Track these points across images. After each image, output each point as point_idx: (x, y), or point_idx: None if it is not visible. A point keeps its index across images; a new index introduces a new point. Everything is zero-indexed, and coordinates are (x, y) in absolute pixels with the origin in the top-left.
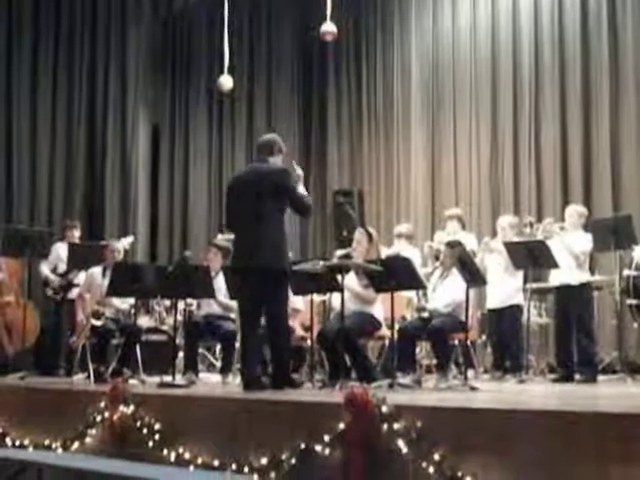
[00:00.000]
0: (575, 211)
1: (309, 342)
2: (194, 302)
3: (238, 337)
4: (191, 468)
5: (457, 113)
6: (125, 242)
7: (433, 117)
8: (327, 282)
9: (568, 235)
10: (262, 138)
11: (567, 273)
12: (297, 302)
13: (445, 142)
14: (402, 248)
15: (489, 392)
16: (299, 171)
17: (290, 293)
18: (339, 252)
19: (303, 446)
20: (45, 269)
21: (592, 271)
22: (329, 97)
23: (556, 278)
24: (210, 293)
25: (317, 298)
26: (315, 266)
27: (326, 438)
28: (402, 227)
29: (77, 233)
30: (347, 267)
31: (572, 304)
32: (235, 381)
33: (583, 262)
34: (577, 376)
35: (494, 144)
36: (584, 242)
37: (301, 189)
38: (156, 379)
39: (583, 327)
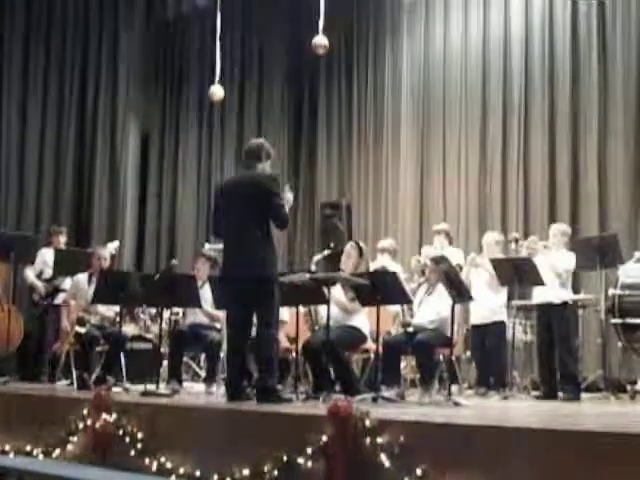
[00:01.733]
0: (558, 230)
1: (294, 354)
2: (180, 311)
3: (223, 347)
4: (173, 478)
5: (447, 129)
6: (111, 247)
7: (423, 132)
8: (313, 294)
9: (551, 254)
10: (249, 143)
11: (550, 291)
12: (282, 313)
13: (434, 157)
14: (385, 263)
15: (473, 408)
16: (289, 195)
17: None
18: (316, 257)
19: (285, 458)
20: (30, 274)
21: (577, 289)
22: (319, 110)
23: (539, 296)
24: (196, 302)
25: (303, 309)
26: (301, 278)
27: (309, 450)
28: (385, 242)
29: (63, 239)
30: (334, 280)
31: (555, 322)
32: (219, 391)
33: (566, 280)
34: (561, 394)
35: (483, 160)
36: (567, 261)
37: (285, 208)
38: (140, 387)
39: (566, 345)
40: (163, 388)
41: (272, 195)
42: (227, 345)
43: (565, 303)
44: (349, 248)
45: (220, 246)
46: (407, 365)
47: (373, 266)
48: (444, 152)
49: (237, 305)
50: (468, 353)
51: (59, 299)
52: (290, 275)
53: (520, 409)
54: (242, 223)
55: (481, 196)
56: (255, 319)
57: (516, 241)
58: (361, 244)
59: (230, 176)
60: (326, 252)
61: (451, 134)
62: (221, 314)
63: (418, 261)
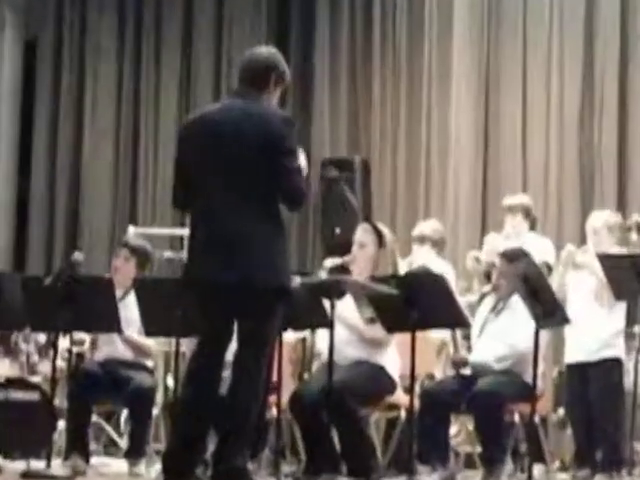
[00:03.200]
0: None
1: (274, 410)
2: (86, 338)
3: (157, 399)
4: None
5: (529, 48)
6: None
7: (489, 53)
8: (308, 312)
9: None
10: (252, 55)
11: None
12: None
13: (507, 92)
14: (426, 260)
15: None
16: (303, 161)
17: None
18: (329, 262)
19: None
20: None
21: None
22: (318, 10)
23: None
24: (113, 324)
25: (291, 336)
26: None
27: None
28: (427, 226)
29: None
30: (339, 288)
31: None
32: (151, 473)
33: None
34: None
35: (586, 97)
36: None
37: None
38: (20, 465)
39: None
40: (58, 467)
41: (285, 152)
42: (183, 394)
43: None
44: (361, 233)
45: (155, 230)
46: (461, 431)
47: (406, 265)
48: (524, 83)
49: (212, 327)
50: (561, 411)
51: None
52: None
53: None
54: (230, 194)
55: (583, 154)
56: (239, 350)
57: (639, 228)
58: (380, 227)
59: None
60: (349, 257)
61: (535, 57)
62: (154, 344)
63: (477, 259)
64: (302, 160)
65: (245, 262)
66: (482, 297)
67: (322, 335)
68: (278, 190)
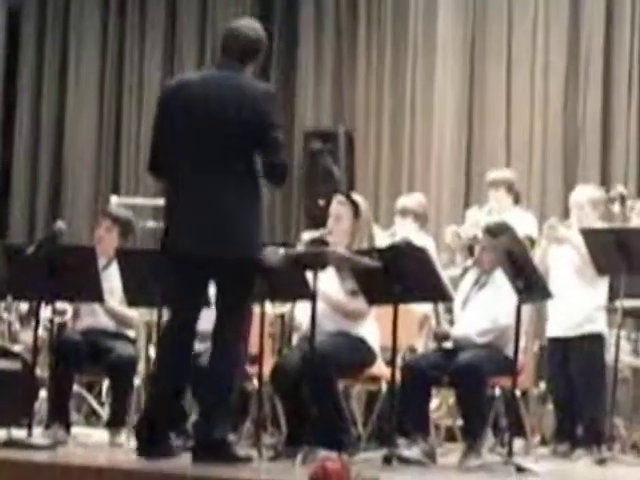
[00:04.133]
0: None
1: (256, 383)
2: (68, 308)
3: (139, 368)
4: None
5: (514, 17)
6: None
7: (474, 25)
8: (290, 284)
9: None
10: (241, 29)
11: None
12: None
13: (492, 64)
14: (407, 232)
15: (548, 477)
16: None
17: None
18: (308, 234)
19: None
20: None
21: None
22: None
23: None
24: (95, 293)
25: (271, 310)
26: (270, 257)
27: None
28: (410, 199)
29: None
30: (323, 260)
31: None
32: (131, 443)
33: None
34: None
35: (571, 69)
36: None
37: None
38: (1, 434)
39: None
40: (39, 436)
41: (270, 126)
42: (156, 362)
43: None
44: (336, 206)
45: (138, 200)
46: (442, 404)
47: (388, 237)
48: (509, 57)
49: (184, 298)
50: (542, 386)
51: None
52: None
53: None
54: (209, 166)
55: (567, 129)
56: (216, 326)
57: (622, 200)
58: (355, 197)
59: (191, 75)
60: (325, 229)
61: (520, 32)
62: (136, 314)
63: (457, 234)
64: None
65: (220, 234)
66: (465, 271)
67: (301, 307)
68: (263, 164)
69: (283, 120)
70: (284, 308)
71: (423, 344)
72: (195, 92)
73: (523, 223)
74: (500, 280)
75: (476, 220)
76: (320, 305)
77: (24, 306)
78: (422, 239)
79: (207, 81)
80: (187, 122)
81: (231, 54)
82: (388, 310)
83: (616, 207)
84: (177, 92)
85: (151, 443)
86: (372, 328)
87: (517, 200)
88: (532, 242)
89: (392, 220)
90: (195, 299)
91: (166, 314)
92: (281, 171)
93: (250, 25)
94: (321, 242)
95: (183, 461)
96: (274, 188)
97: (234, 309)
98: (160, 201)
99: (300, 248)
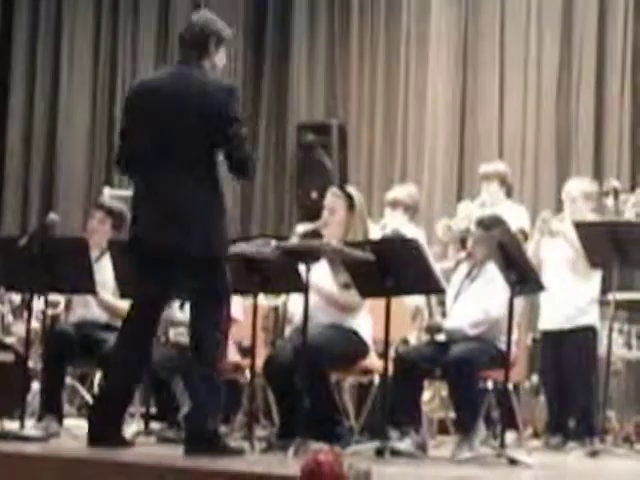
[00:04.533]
0: None
1: (248, 374)
2: (61, 300)
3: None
4: None
5: (506, 11)
6: None
7: (467, 19)
8: (282, 276)
9: None
10: (191, 23)
11: None
12: (232, 307)
13: (485, 57)
14: (397, 223)
15: (540, 470)
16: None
17: None
18: (302, 227)
19: None
20: None
21: None
22: None
23: None
24: (88, 285)
25: (265, 302)
26: (263, 249)
27: None
28: (401, 190)
29: None
30: (315, 252)
31: None
32: (126, 432)
33: None
34: None
35: (564, 62)
36: None
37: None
38: None
39: None
40: (32, 428)
41: (231, 121)
42: (114, 353)
43: None
44: (331, 198)
45: (131, 192)
46: (434, 396)
47: (378, 228)
48: (502, 48)
49: (148, 291)
50: (535, 379)
51: None
52: (244, 244)
53: (618, 474)
54: (170, 163)
55: (560, 122)
56: (190, 315)
57: (616, 194)
58: (350, 190)
59: (152, 74)
60: (319, 222)
61: (514, 24)
62: (128, 306)
63: (448, 227)
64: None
65: (181, 230)
66: (457, 264)
67: (295, 299)
68: (228, 160)
69: (245, 115)
70: (278, 300)
71: (416, 337)
72: (154, 92)
73: (515, 216)
74: (492, 272)
75: (468, 213)
76: (313, 298)
77: (17, 298)
78: (412, 231)
79: (165, 80)
80: (149, 120)
81: (185, 48)
82: (381, 302)
83: (610, 201)
84: (137, 94)
85: (101, 432)
86: (365, 320)
87: (509, 193)
88: (525, 235)
89: (382, 212)
90: (158, 294)
91: None
92: (246, 165)
93: (200, 17)
94: (315, 235)
95: (175, 453)
96: (243, 180)
97: (202, 304)
98: None
99: (293, 241)
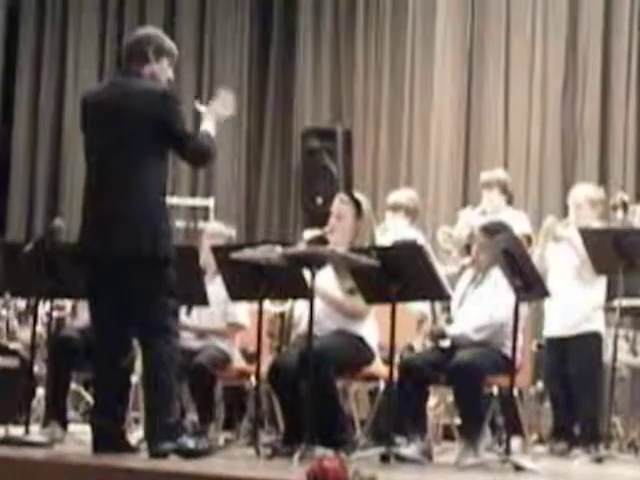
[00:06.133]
0: None
1: (254, 380)
2: (66, 305)
3: (137, 366)
4: None
5: (512, 17)
6: None
7: (472, 24)
8: (288, 282)
9: None
10: (130, 37)
11: None
12: (238, 313)
13: (490, 64)
14: (397, 228)
15: (545, 476)
16: (221, 103)
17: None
18: (309, 233)
19: None
20: None
21: None
22: None
23: None
24: None
25: (271, 308)
26: (268, 254)
27: None
28: (402, 194)
29: None
30: (321, 259)
31: None
32: (130, 437)
33: None
34: None
35: (570, 69)
36: None
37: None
38: None
39: None
40: (36, 434)
41: (170, 122)
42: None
43: None
44: (338, 204)
45: None
46: (439, 403)
47: (379, 232)
48: (507, 53)
49: (104, 302)
50: (540, 385)
51: None
52: (249, 250)
53: None
54: (109, 166)
55: (565, 129)
56: (137, 324)
57: (624, 207)
58: (358, 196)
59: (96, 86)
60: (327, 228)
61: (518, 26)
62: None
63: (449, 235)
64: (219, 106)
65: (124, 238)
66: (462, 270)
67: (300, 305)
68: (183, 156)
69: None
70: (284, 306)
71: (421, 343)
72: (95, 102)
73: (517, 223)
74: (497, 278)
75: (467, 220)
76: (320, 304)
77: (22, 303)
78: (412, 235)
79: (105, 91)
80: (90, 133)
81: (125, 59)
82: (386, 309)
83: (619, 214)
84: (83, 104)
85: (101, 437)
86: (372, 327)
87: (510, 201)
88: (529, 239)
89: (383, 216)
90: (107, 303)
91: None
92: (199, 153)
93: (140, 31)
94: (322, 241)
95: (180, 458)
96: (199, 167)
97: (142, 307)
98: None
99: (298, 247)
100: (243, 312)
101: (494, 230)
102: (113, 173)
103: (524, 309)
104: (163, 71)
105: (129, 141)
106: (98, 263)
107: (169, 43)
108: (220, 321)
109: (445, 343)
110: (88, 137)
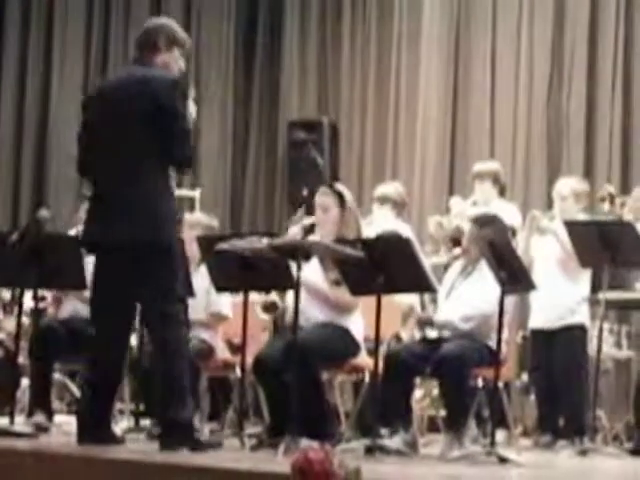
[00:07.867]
0: None
1: (239, 371)
2: (49, 296)
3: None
4: None
5: (498, 8)
6: None
7: (459, 16)
8: (273, 273)
9: None
10: (144, 27)
11: None
12: (221, 303)
13: (477, 56)
14: (384, 220)
15: (530, 468)
16: (193, 112)
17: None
18: (308, 220)
19: None
20: None
21: None
22: None
23: None
24: (79, 282)
25: (257, 298)
26: (254, 245)
27: None
28: (388, 187)
29: None
30: (306, 250)
31: None
32: (116, 428)
33: None
34: None
35: (556, 59)
36: None
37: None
38: None
39: None
40: (22, 424)
41: (173, 115)
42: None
43: None
44: (324, 197)
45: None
46: (424, 395)
47: (365, 225)
48: (493, 46)
49: (107, 289)
50: (525, 377)
51: None
52: (235, 240)
53: (608, 472)
54: (117, 160)
55: (551, 121)
56: (141, 312)
57: (611, 199)
58: (340, 188)
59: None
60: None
61: (505, 23)
62: None
63: (440, 224)
64: (191, 110)
65: (126, 224)
66: (451, 261)
67: (288, 296)
68: (168, 154)
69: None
70: (272, 298)
71: (407, 334)
72: (106, 93)
73: (507, 215)
74: (486, 270)
75: (460, 211)
76: (305, 295)
77: (7, 294)
78: (399, 227)
79: (117, 80)
80: (99, 122)
81: (136, 48)
82: (371, 301)
83: (606, 206)
84: (91, 95)
85: (89, 426)
86: (358, 320)
87: (502, 192)
88: (514, 232)
89: (370, 209)
90: (114, 290)
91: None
92: (186, 158)
93: (151, 20)
94: (308, 230)
95: (150, 450)
96: (183, 174)
97: (151, 298)
98: None
99: (292, 227)
100: (226, 303)
101: (484, 222)
102: (120, 160)
103: (510, 302)
104: (175, 61)
105: (138, 129)
106: (102, 250)
107: (181, 33)
108: (203, 312)
109: (432, 333)
110: (95, 126)
